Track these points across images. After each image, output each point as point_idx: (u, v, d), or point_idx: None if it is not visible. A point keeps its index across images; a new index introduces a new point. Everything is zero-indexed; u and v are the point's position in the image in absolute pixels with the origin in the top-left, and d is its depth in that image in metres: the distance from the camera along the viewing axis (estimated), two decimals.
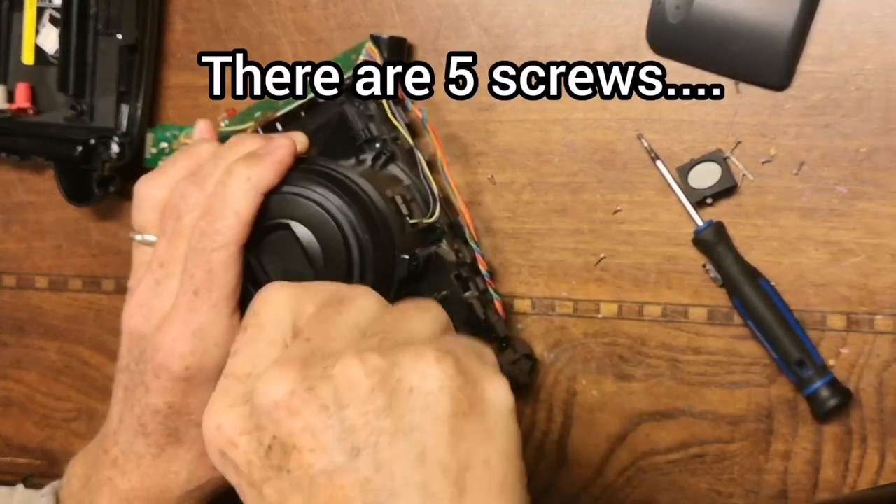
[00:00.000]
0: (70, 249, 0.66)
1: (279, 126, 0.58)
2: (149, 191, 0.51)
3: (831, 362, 0.56)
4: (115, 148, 0.61)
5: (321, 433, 0.35)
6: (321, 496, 0.35)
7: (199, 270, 0.47)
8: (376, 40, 0.57)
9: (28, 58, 0.64)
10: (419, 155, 0.55)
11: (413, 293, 0.52)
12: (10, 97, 0.64)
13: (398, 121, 0.55)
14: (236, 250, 0.47)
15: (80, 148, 0.61)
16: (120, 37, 0.61)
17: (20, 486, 0.67)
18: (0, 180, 0.67)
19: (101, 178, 0.62)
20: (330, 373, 0.36)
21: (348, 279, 0.49)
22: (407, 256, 0.51)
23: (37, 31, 0.64)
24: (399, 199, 0.53)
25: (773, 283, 0.56)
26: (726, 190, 0.56)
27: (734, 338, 0.57)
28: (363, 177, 0.51)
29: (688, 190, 0.56)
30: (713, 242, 0.56)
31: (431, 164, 0.56)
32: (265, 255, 0.49)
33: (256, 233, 0.48)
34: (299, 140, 0.52)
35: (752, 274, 0.56)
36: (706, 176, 0.56)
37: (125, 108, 0.62)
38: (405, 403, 0.36)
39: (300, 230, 0.49)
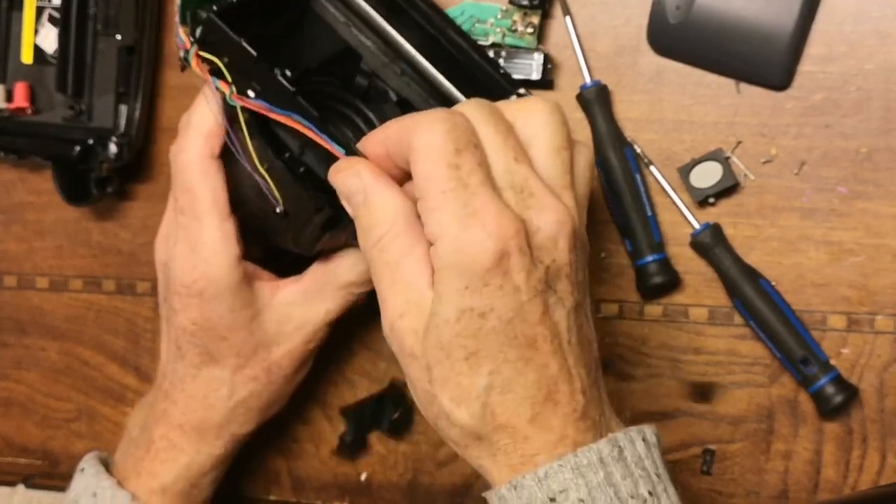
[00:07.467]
0: (71, 250, 0.66)
1: None
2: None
3: (832, 362, 0.56)
4: (112, 148, 0.61)
5: (574, 273, 0.43)
6: (573, 320, 0.43)
7: (179, 191, 0.52)
8: None
9: (27, 57, 0.64)
10: None
11: None
12: (9, 96, 0.64)
13: None
14: (205, 162, 0.51)
15: (77, 148, 0.61)
16: (119, 37, 0.61)
17: (21, 487, 0.67)
18: (0, 180, 0.67)
19: (99, 179, 0.61)
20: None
21: None
22: None
23: (36, 31, 0.64)
24: None
25: (773, 283, 0.56)
26: (727, 189, 0.56)
27: (735, 338, 0.57)
28: None
29: (689, 189, 0.56)
30: (710, 245, 0.56)
31: None
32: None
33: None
34: None
35: (752, 275, 0.55)
36: (708, 175, 0.56)
37: (123, 109, 0.62)
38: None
39: None
